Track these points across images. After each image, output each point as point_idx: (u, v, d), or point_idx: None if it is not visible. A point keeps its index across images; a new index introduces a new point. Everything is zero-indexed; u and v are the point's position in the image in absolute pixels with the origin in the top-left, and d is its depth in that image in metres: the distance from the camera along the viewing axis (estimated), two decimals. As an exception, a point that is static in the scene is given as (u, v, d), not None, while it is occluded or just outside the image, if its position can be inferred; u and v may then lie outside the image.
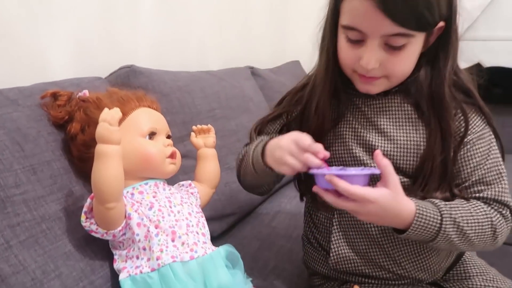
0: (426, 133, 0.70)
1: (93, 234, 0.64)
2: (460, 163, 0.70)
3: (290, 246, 1.00)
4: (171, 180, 0.82)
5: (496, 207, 0.68)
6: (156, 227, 0.65)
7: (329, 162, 0.71)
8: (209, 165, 0.83)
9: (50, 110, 0.73)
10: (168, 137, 0.76)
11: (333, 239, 0.75)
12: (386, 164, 0.60)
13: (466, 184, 0.70)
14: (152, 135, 0.71)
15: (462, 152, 0.70)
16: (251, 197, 1.17)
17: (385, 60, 0.63)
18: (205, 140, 0.83)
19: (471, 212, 0.66)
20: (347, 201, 0.59)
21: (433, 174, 0.68)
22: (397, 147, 0.71)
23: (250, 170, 0.73)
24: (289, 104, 0.82)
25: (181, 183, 0.81)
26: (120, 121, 0.69)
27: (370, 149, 0.72)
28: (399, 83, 0.69)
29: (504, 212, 0.68)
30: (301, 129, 0.71)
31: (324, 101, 0.72)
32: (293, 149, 0.62)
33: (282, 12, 2.05)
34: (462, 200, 0.69)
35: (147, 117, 0.72)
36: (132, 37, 1.17)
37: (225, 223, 1.07)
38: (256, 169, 0.71)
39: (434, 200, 0.67)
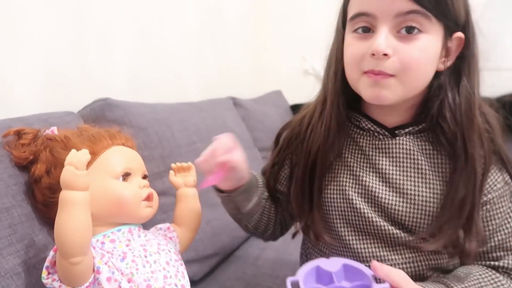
0: (443, 186, 0.61)
1: None
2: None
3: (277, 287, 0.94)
4: (148, 221, 0.76)
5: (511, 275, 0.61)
6: (129, 281, 0.57)
7: (324, 206, 0.67)
8: (190, 206, 0.76)
9: (12, 150, 0.67)
10: (144, 177, 0.70)
11: None
12: (388, 269, 0.53)
13: (484, 249, 0.62)
14: (126, 176, 0.65)
15: (480, 213, 0.61)
16: (234, 235, 1.11)
17: (398, 48, 0.55)
18: (185, 179, 0.77)
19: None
20: None
21: (450, 235, 0.59)
22: (402, 198, 0.62)
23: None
24: (287, 145, 0.74)
25: (159, 226, 0.74)
26: (91, 161, 0.63)
27: (369, 195, 0.64)
28: (412, 91, 0.59)
29: None
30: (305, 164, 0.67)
31: (332, 125, 0.64)
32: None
33: (262, 42, 2.06)
34: (479, 274, 0.61)
35: (120, 157, 0.67)
36: (107, 68, 1.13)
37: (207, 265, 1.00)
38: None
39: (450, 284, 0.58)
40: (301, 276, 0.53)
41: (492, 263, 0.62)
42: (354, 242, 0.65)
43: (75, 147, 0.61)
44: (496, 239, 0.62)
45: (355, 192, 0.65)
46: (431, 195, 0.62)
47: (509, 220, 0.62)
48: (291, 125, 0.76)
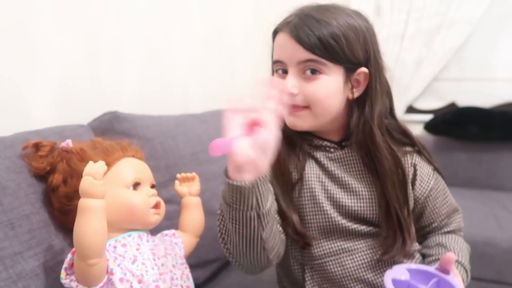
0: (373, 182, 0.75)
1: None
2: (426, 207, 0.79)
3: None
4: (155, 228, 0.81)
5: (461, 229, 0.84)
6: (140, 282, 0.63)
7: (301, 218, 0.74)
8: (194, 214, 0.82)
9: (31, 161, 0.73)
10: (153, 186, 0.76)
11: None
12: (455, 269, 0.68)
13: (435, 224, 0.82)
14: (136, 185, 0.71)
15: (417, 208, 0.79)
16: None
17: (303, 87, 0.69)
18: (189, 189, 0.83)
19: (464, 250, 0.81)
20: None
21: (392, 221, 0.73)
22: (360, 200, 0.74)
23: (225, 214, 0.62)
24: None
25: (165, 232, 0.80)
26: (104, 173, 0.68)
27: (337, 204, 0.74)
28: (324, 118, 0.72)
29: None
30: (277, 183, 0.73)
31: (282, 152, 0.73)
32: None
33: (265, 55, 2.10)
34: (453, 239, 0.81)
35: (131, 168, 0.72)
36: (116, 81, 1.18)
37: (208, 270, 1.05)
38: (223, 206, 0.61)
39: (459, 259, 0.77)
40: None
41: (444, 229, 0.82)
42: (323, 241, 0.75)
43: (91, 158, 0.66)
44: (442, 214, 0.81)
45: (327, 201, 0.74)
46: (372, 194, 0.74)
47: (446, 196, 0.82)
48: None
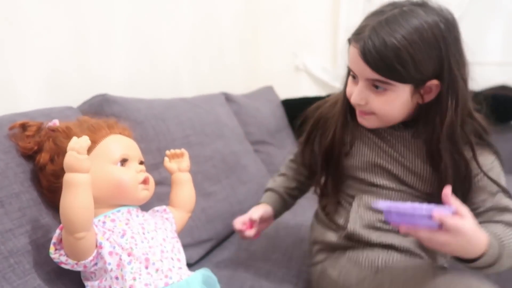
0: (436, 169, 0.78)
1: (63, 265, 0.62)
2: (475, 191, 0.77)
3: (268, 268, 0.99)
4: (146, 207, 0.81)
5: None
6: (129, 254, 0.63)
7: (346, 170, 0.87)
8: (184, 190, 0.82)
9: (18, 141, 0.72)
10: (141, 163, 0.76)
11: (351, 217, 0.85)
12: (456, 200, 0.63)
13: (481, 209, 0.75)
14: (123, 161, 0.71)
15: (476, 181, 0.77)
16: (228, 223, 1.15)
17: (370, 99, 0.75)
18: (179, 165, 0.83)
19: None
20: (435, 232, 0.60)
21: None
22: (414, 175, 0.81)
23: None
24: (315, 123, 0.93)
25: (156, 208, 0.80)
26: (91, 149, 0.68)
27: (382, 172, 0.83)
28: (390, 122, 0.79)
29: None
30: (319, 145, 0.90)
31: (339, 126, 0.85)
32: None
33: (254, 39, 2.11)
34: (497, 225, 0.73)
35: (118, 144, 0.72)
36: (105, 65, 1.17)
37: (202, 249, 1.06)
38: None
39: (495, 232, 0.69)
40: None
41: (494, 218, 0.74)
42: (372, 178, 0.84)
43: (76, 136, 0.65)
44: (491, 201, 0.76)
45: (375, 157, 0.84)
46: (432, 171, 0.80)
47: (500, 183, 0.76)
48: (320, 108, 0.94)
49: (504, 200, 0.76)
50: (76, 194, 0.59)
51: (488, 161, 0.78)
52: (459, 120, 0.74)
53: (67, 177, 0.59)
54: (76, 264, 0.62)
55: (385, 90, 0.72)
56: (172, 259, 0.67)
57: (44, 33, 0.98)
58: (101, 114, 1.00)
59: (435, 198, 0.70)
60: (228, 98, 1.58)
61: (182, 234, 0.82)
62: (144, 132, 1.05)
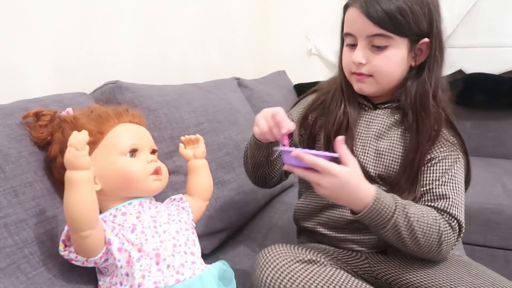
0: (407, 139, 0.80)
1: (73, 262, 0.61)
2: (421, 174, 0.79)
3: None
4: (161, 197, 0.80)
5: (445, 218, 0.75)
6: (139, 250, 0.62)
7: None
8: (201, 177, 0.80)
9: (31, 131, 0.71)
10: (153, 152, 0.73)
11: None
12: (345, 150, 0.67)
13: (421, 192, 0.78)
14: (133, 152, 0.69)
15: (425, 167, 0.79)
16: (242, 212, 1.15)
17: (371, 57, 0.77)
18: (194, 151, 0.80)
19: (422, 213, 0.72)
20: (313, 173, 0.65)
21: (408, 178, 0.78)
22: (373, 154, 0.82)
23: (249, 147, 0.87)
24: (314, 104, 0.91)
25: (173, 197, 0.78)
26: (98, 141, 0.67)
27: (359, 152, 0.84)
28: (387, 85, 0.80)
29: (452, 223, 0.75)
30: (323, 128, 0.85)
31: (340, 105, 0.85)
32: (267, 116, 0.73)
33: (265, 23, 2.06)
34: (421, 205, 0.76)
35: (127, 134, 0.70)
36: (113, 51, 1.15)
37: (217, 239, 1.04)
38: (250, 142, 0.85)
39: (392, 194, 0.73)
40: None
41: (427, 203, 0.77)
42: None
43: (83, 127, 0.64)
44: (432, 185, 0.78)
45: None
46: (402, 146, 0.81)
47: (446, 175, 0.78)
48: (319, 91, 0.94)
49: (442, 188, 0.77)
50: (78, 192, 0.57)
51: (445, 148, 0.80)
52: (436, 87, 0.79)
53: (68, 174, 0.57)
54: (86, 261, 0.61)
55: (385, 47, 0.75)
56: (185, 253, 0.65)
57: (52, 18, 0.96)
58: (113, 101, 0.98)
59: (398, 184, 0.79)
60: (240, 83, 1.55)
61: (196, 224, 0.81)
62: (157, 120, 1.03)
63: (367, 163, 0.82)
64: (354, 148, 0.83)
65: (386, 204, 0.68)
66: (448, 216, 0.75)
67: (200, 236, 1.01)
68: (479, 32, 1.89)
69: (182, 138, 0.81)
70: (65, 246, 0.60)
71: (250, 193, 1.18)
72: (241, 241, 1.11)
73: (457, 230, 0.75)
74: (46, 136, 0.70)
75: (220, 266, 0.66)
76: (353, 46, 0.79)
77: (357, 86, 0.82)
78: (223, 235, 1.06)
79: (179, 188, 0.98)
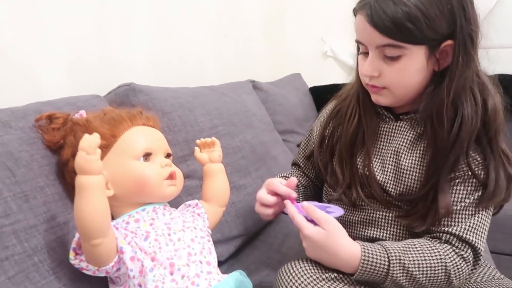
0: (426, 156, 0.71)
1: (84, 271, 0.59)
2: (442, 194, 0.69)
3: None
4: (175, 202, 0.77)
5: (456, 248, 0.68)
6: (152, 259, 0.59)
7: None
8: (217, 182, 0.77)
9: (44, 134, 0.69)
10: (168, 156, 0.71)
11: None
12: (308, 207, 0.66)
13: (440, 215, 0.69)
14: (147, 156, 0.66)
15: (446, 186, 0.70)
16: (257, 217, 1.10)
17: (383, 69, 0.69)
18: (210, 155, 0.77)
19: (424, 256, 0.66)
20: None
21: (426, 202, 0.70)
22: (389, 171, 0.75)
23: None
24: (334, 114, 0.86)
25: (188, 203, 0.75)
26: (111, 144, 0.65)
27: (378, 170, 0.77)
28: (405, 96, 0.71)
29: (465, 254, 0.67)
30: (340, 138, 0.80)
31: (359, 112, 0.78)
32: (263, 198, 0.74)
33: (280, 24, 2.04)
34: (420, 240, 0.69)
35: (140, 137, 0.67)
36: (129, 54, 1.14)
37: (232, 246, 1.01)
38: None
39: (384, 243, 0.68)
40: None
41: (442, 228, 0.69)
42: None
43: (96, 130, 0.61)
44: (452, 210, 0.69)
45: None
46: (417, 172, 0.72)
47: (471, 197, 0.69)
48: (338, 97, 0.88)
49: (461, 212, 0.68)
50: (89, 198, 0.54)
51: (473, 166, 0.68)
52: (456, 97, 0.67)
53: (78, 180, 0.54)
54: (98, 270, 0.58)
55: (398, 57, 0.66)
56: (200, 262, 0.62)
57: (66, 20, 0.94)
58: (127, 103, 0.96)
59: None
60: (255, 86, 1.52)
61: (212, 231, 0.77)
62: (171, 123, 1.01)
63: (387, 183, 0.74)
64: (372, 165, 0.76)
65: (377, 262, 0.64)
66: (461, 243, 0.68)
67: (216, 243, 0.97)
68: (501, 32, 1.83)
69: (198, 141, 0.78)
70: (76, 254, 0.58)
71: (266, 198, 1.14)
72: (257, 247, 1.08)
73: (471, 260, 0.68)
74: (58, 140, 0.69)
75: (237, 276, 0.63)
76: (366, 54, 0.71)
77: (374, 98, 0.75)
78: (238, 241, 1.03)
79: (193, 193, 0.95)
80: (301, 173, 0.94)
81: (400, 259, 0.64)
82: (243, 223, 1.04)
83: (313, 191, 0.94)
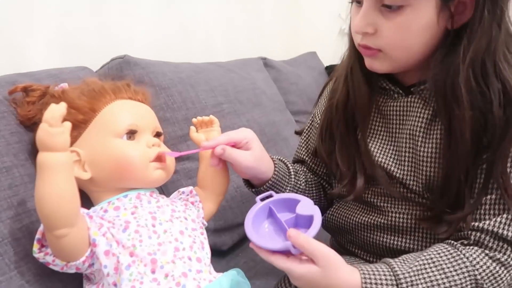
0: (441, 141, 0.58)
1: (51, 267, 0.50)
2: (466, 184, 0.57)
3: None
4: (174, 188, 0.69)
5: (491, 248, 0.54)
6: (131, 254, 0.50)
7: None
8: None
9: (17, 108, 0.61)
10: (157, 135, 0.61)
11: None
12: (304, 243, 0.50)
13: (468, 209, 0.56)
14: (131, 133, 0.57)
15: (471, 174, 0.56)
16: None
17: (380, 25, 0.55)
18: (207, 135, 0.67)
19: (445, 273, 0.53)
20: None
21: (449, 197, 0.57)
22: (408, 165, 0.62)
23: None
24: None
25: (181, 190, 0.66)
26: (90, 119, 0.56)
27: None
28: (407, 62, 0.58)
29: (502, 256, 0.54)
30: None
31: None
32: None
33: (295, 0, 1.92)
34: (440, 249, 0.56)
35: (124, 112, 0.58)
36: (129, 25, 1.06)
37: (236, 234, 0.93)
38: None
39: (394, 263, 0.54)
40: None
41: (474, 223, 0.56)
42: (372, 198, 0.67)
43: (72, 103, 0.54)
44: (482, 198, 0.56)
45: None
46: (434, 150, 0.59)
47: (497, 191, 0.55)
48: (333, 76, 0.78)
49: (505, 228, 0.54)
50: (51, 180, 0.45)
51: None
52: (476, 64, 0.53)
53: (39, 157, 0.46)
54: (66, 265, 0.49)
55: (400, 8, 0.52)
56: (189, 259, 0.53)
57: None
58: (121, 78, 0.87)
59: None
60: (266, 64, 1.43)
61: (214, 216, 0.69)
62: (170, 99, 0.93)
63: (405, 177, 0.62)
64: (381, 154, 0.64)
65: None
66: (496, 242, 0.54)
67: (219, 231, 0.90)
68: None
69: (194, 120, 0.69)
70: (42, 246, 0.49)
71: (276, 183, 1.05)
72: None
73: (511, 263, 0.54)
74: (33, 115, 0.61)
75: (233, 276, 0.53)
76: (360, 4, 0.57)
77: (367, 62, 0.61)
78: (243, 229, 0.94)
79: (194, 176, 0.86)
80: (307, 171, 0.79)
81: (412, 284, 0.52)
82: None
83: (322, 193, 0.79)
